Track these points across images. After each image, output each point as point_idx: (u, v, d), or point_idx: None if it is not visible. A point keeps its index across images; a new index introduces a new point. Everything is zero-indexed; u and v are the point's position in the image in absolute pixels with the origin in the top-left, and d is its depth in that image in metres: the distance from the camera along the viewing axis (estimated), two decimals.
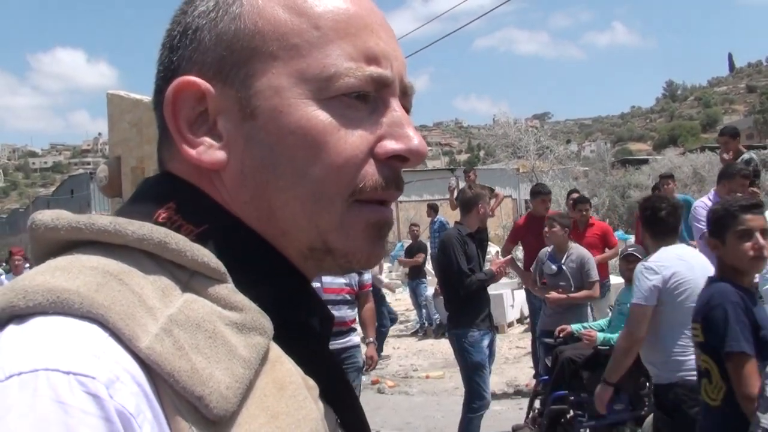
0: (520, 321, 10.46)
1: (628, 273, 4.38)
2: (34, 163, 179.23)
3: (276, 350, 0.53)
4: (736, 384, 2.38)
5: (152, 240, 0.50)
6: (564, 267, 5.25)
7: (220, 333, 0.49)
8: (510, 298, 10.07)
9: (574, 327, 4.88)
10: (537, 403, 5.09)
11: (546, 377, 4.93)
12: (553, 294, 5.22)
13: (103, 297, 0.46)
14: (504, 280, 6.91)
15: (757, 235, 2.53)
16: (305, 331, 0.60)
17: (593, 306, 5.59)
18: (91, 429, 0.41)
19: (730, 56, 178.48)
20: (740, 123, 62.89)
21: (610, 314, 5.26)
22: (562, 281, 5.24)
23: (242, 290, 0.52)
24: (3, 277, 9.58)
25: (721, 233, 2.59)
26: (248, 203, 0.58)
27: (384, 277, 10.12)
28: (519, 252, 7.65)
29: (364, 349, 4.59)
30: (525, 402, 5.70)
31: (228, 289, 0.51)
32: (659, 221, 3.36)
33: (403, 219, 22.94)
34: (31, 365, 0.42)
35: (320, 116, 0.57)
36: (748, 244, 2.53)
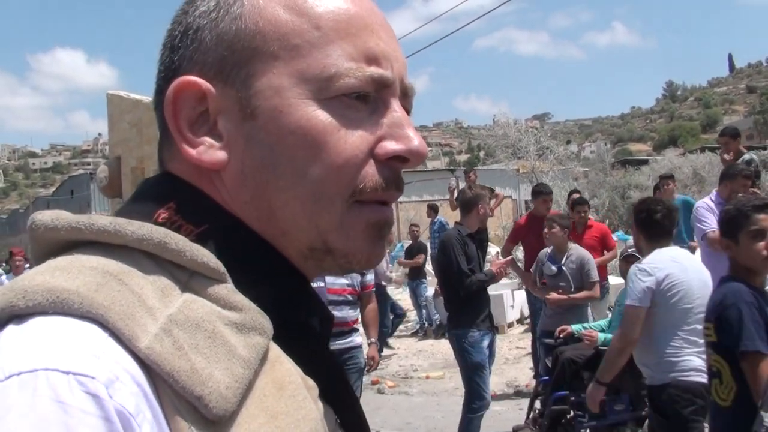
0: (520, 321, 10.46)
1: None
2: (34, 164, 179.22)
3: (275, 350, 0.53)
4: (752, 382, 2.38)
5: (152, 240, 0.50)
6: (564, 268, 5.25)
7: (220, 333, 0.49)
8: (510, 299, 10.07)
9: (575, 327, 4.88)
10: (537, 404, 5.09)
11: (546, 378, 4.93)
12: (554, 295, 5.22)
13: (102, 297, 0.46)
14: (504, 280, 6.92)
15: None
16: (305, 331, 0.60)
17: (592, 307, 5.59)
18: (90, 429, 0.41)
19: (730, 57, 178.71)
20: (740, 123, 62.85)
21: (609, 315, 5.26)
22: (562, 282, 5.24)
23: (242, 290, 0.52)
24: (4, 277, 9.59)
25: (734, 233, 2.60)
26: (248, 203, 0.58)
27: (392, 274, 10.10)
28: (519, 252, 7.65)
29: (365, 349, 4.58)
30: (525, 402, 5.70)
31: (227, 289, 0.51)
32: (654, 223, 3.38)
33: (403, 219, 22.93)
34: (31, 365, 0.43)
35: (320, 116, 0.57)
36: (761, 244, 2.53)
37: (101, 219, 0.51)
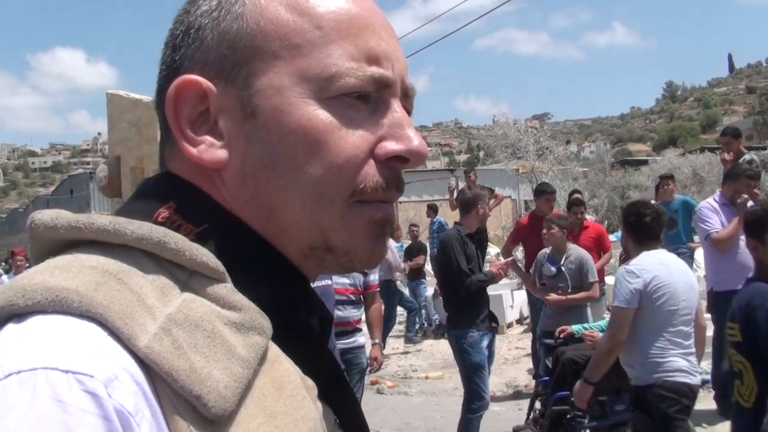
0: (519, 321, 10.46)
1: None
2: (33, 163, 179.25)
3: (275, 350, 0.53)
4: None
5: (151, 239, 0.50)
6: (563, 268, 5.25)
7: (219, 332, 0.49)
8: (509, 299, 10.07)
9: (575, 328, 4.88)
10: (537, 404, 5.09)
11: (546, 378, 4.93)
12: (553, 295, 5.22)
13: (102, 296, 0.46)
14: (504, 280, 6.90)
15: None
16: (305, 331, 0.60)
17: (590, 308, 5.58)
18: (89, 428, 0.41)
19: (729, 57, 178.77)
20: (740, 124, 62.88)
21: (607, 316, 5.26)
22: (561, 282, 5.24)
23: (242, 290, 0.52)
24: (4, 277, 9.59)
25: (760, 234, 2.60)
26: (249, 202, 0.58)
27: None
28: (519, 252, 7.64)
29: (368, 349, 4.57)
30: (524, 403, 5.70)
31: (227, 289, 0.51)
32: (643, 227, 3.42)
33: (402, 219, 22.92)
34: (30, 364, 0.42)
35: (321, 116, 0.57)
36: None
37: (101, 218, 0.51)
